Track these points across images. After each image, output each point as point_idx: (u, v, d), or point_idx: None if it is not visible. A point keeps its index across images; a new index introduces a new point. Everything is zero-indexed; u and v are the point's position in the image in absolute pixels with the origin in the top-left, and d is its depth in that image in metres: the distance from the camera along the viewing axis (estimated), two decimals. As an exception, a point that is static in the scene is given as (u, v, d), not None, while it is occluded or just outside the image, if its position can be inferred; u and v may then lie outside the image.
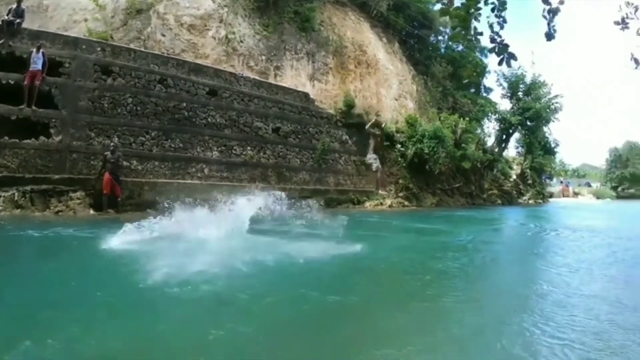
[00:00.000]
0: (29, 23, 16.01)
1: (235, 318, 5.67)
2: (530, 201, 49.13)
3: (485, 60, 45.02)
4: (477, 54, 44.16)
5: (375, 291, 7.82)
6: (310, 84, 27.15)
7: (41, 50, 14.84)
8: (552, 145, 52.80)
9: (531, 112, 45.59)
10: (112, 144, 15.91)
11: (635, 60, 8.03)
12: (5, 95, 14.48)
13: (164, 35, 20.62)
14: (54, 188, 14.67)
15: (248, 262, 8.22)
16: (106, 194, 15.34)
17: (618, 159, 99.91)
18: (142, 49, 18.89)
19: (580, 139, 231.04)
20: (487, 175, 42.98)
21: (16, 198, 13.78)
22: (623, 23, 7.94)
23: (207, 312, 5.91)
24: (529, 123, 47.14)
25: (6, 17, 15.09)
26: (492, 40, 6.11)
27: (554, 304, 7.26)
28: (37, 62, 14.72)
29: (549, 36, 6.68)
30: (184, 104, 18.92)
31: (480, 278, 9.85)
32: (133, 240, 9.35)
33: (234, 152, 20.55)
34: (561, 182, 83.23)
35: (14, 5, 15.39)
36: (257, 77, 22.97)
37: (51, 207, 14.34)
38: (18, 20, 15.22)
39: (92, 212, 14.99)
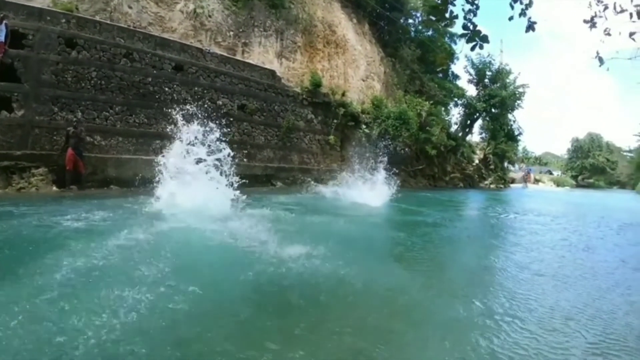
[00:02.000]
0: (-9, -7, 15.67)
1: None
2: (492, 186, 50.15)
3: (455, 47, 45.48)
4: (447, 39, 44.52)
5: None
6: (278, 62, 27.12)
7: (4, 21, 14.47)
8: (516, 133, 54.08)
9: (496, 99, 46.56)
10: (75, 119, 15.76)
11: (600, 59, 8.39)
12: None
13: (130, 8, 20.31)
14: (15, 164, 14.43)
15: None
16: (69, 170, 15.18)
17: (579, 150, 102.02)
18: (108, 22, 18.57)
19: (545, 128, 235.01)
20: (450, 159, 43.71)
21: (-23, 175, 13.59)
22: (592, 22, 8.28)
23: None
24: (493, 110, 48.12)
25: (-34, -13, 14.77)
26: (465, 27, 6.35)
27: (503, 278, 8.37)
28: (-1, 34, 14.43)
29: (529, 28, 7.05)
30: (150, 79, 18.74)
31: (440, 254, 11.03)
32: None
33: (199, 128, 20.46)
34: (520, 168, 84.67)
35: (-24, -25, 15.04)
36: (224, 53, 22.87)
37: (13, 184, 14.15)
38: (-20, -9, 14.90)
39: (55, 188, 14.86)
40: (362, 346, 4.81)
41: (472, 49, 6.37)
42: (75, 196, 14.07)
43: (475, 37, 6.25)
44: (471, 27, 6.32)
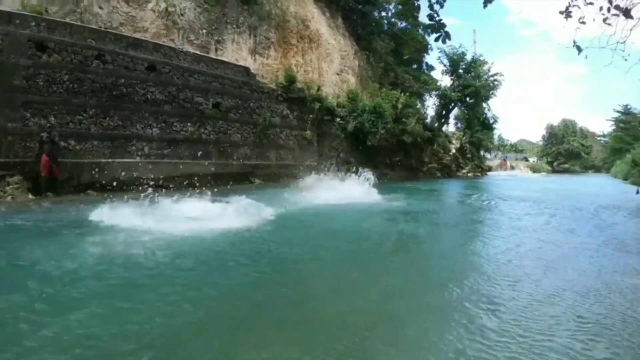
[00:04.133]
0: (-43, -2, 15.43)
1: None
2: (470, 174, 50.73)
3: (428, 38, 45.73)
4: (421, 31, 44.69)
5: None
6: (252, 59, 27.08)
7: (-28, 27, 14.28)
8: (491, 121, 54.63)
9: (470, 89, 46.92)
10: (48, 124, 15.56)
11: (578, 48, 8.53)
12: None
13: (101, 8, 20.10)
14: (-11, 173, 14.20)
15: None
16: (44, 176, 14.99)
17: (554, 136, 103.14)
18: (79, 23, 18.37)
19: (520, 116, 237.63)
20: (427, 150, 43.96)
21: (-51, 185, 13.34)
22: (567, 12, 8.43)
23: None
24: (468, 100, 48.49)
25: None
26: (431, 17, 6.45)
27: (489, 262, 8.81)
28: (-33, 40, 14.17)
29: (486, 3, 7.18)
30: (122, 80, 18.50)
31: (427, 240, 11.80)
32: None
33: (174, 128, 20.38)
34: (496, 156, 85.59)
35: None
36: (197, 52, 22.75)
37: (-12, 194, 13.95)
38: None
39: (30, 196, 14.65)
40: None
41: (437, 39, 6.56)
42: (54, 202, 13.95)
43: (440, 28, 6.38)
44: (436, 18, 6.43)
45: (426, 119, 47.25)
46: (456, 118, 53.66)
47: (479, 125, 51.61)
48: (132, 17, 21.29)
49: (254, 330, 5.19)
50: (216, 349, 4.72)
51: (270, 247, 9.30)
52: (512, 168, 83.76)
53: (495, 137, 74.75)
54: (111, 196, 12.54)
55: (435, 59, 72.87)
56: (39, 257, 7.62)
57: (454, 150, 52.84)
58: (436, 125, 48.66)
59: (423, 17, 36.88)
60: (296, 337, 5.10)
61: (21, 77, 15.51)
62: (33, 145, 15.27)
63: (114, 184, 16.32)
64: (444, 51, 48.36)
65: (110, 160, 17.64)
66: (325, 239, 10.84)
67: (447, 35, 6.43)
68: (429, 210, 17.57)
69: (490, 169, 65.65)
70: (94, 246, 8.41)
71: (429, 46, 47.15)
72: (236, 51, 26.00)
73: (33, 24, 16.22)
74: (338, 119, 31.17)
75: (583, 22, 8.43)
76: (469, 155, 53.17)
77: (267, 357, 4.55)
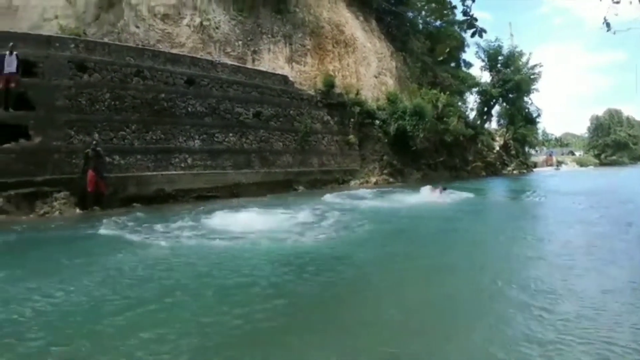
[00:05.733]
0: (-1, 25, 15.81)
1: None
2: (515, 171, 49.60)
3: (464, 35, 45.17)
4: (456, 27, 44.16)
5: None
6: (289, 67, 27.12)
7: (14, 52, 14.54)
8: (534, 116, 53.30)
9: (511, 83, 46.03)
10: (93, 140, 15.76)
11: (607, 25, 8.22)
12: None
13: (137, 27, 20.46)
14: (38, 190, 14.41)
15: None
16: (91, 191, 15.23)
17: (600, 127, 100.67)
18: (117, 42, 18.71)
19: (563, 109, 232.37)
20: (470, 148, 43.20)
21: (0, 204, 13.63)
22: None
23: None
24: (509, 95, 47.59)
25: (-26, 22, 14.91)
26: (465, 13, 6.28)
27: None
28: (11, 65, 14.42)
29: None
30: (163, 95, 18.74)
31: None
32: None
33: (216, 139, 20.48)
34: (541, 151, 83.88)
35: (-18, 10, 15.21)
36: (234, 63, 22.87)
37: (37, 210, 14.13)
38: (-14, 24, 15.02)
39: (78, 210, 14.84)
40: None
41: (473, 35, 6.40)
42: (100, 215, 14.09)
43: (474, 24, 6.23)
44: (469, 14, 6.29)
45: (468, 117, 46.59)
46: (498, 114, 52.48)
47: (522, 121, 50.32)
48: (169, 34, 21.58)
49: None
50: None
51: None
52: (559, 163, 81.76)
53: (539, 131, 73.03)
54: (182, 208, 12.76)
55: (472, 54, 72.10)
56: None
57: (497, 148, 51.60)
58: (478, 122, 47.91)
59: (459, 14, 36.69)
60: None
61: (63, 97, 15.81)
62: (78, 162, 15.52)
63: (159, 196, 16.50)
64: (481, 46, 47.78)
65: (154, 173, 17.80)
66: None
67: (482, 30, 6.27)
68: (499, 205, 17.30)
69: (535, 165, 64.29)
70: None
71: (465, 43, 46.59)
72: (273, 60, 26.07)
73: (72, 45, 16.58)
74: (379, 122, 30.87)
75: (617, 2, 8.11)
76: (513, 152, 52.04)
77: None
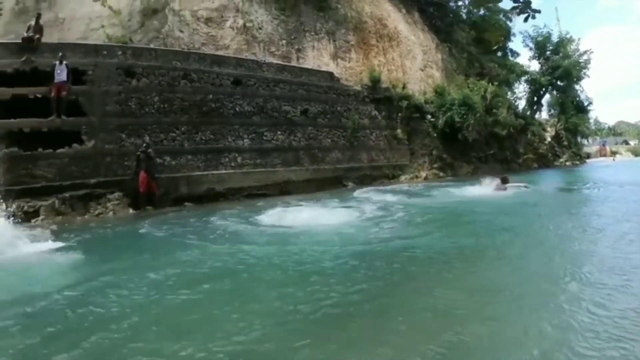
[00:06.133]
0: (48, 37, 16.29)
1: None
2: (567, 163, 47.85)
3: (510, 23, 44.19)
4: (501, 16, 43.26)
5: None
6: (334, 63, 26.94)
7: (64, 62, 14.98)
8: (585, 104, 51.27)
9: (560, 70, 44.70)
10: (144, 143, 16.02)
11: None
12: (34, 109, 14.61)
13: (182, 32, 20.68)
14: (91, 192, 14.87)
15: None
16: (143, 192, 15.56)
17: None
18: (163, 47, 19.00)
19: (615, 96, 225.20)
20: (521, 140, 42.07)
21: (56, 206, 13.97)
22: None
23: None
24: (559, 83, 46.26)
25: (26, 34, 15.35)
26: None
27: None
28: (61, 74, 14.88)
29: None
30: (210, 96, 18.93)
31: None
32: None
33: (264, 138, 20.52)
34: (594, 141, 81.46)
35: (32, 22, 15.68)
36: (279, 62, 22.88)
37: (91, 211, 14.53)
38: (37, 36, 15.45)
39: (131, 211, 15.13)
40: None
41: (526, 20, 6.44)
42: (153, 214, 14.23)
43: (526, 8, 6.07)
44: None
45: (517, 107, 45.44)
46: (549, 104, 50.84)
47: (573, 110, 48.32)
48: (213, 37, 21.74)
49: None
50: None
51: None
52: (613, 153, 79.13)
53: (592, 121, 70.87)
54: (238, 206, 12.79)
55: (519, 43, 70.68)
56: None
57: (549, 139, 49.78)
58: (528, 113, 46.61)
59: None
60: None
61: (113, 103, 16.23)
62: (130, 164, 15.91)
63: (210, 195, 16.68)
64: (528, 34, 46.72)
65: (204, 172, 17.97)
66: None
67: (536, 11, 6.14)
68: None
69: (588, 155, 62.27)
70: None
71: (512, 32, 45.60)
72: (317, 57, 25.97)
73: (119, 52, 17.01)
74: (427, 116, 30.39)
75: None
76: (565, 143, 50.25)
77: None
